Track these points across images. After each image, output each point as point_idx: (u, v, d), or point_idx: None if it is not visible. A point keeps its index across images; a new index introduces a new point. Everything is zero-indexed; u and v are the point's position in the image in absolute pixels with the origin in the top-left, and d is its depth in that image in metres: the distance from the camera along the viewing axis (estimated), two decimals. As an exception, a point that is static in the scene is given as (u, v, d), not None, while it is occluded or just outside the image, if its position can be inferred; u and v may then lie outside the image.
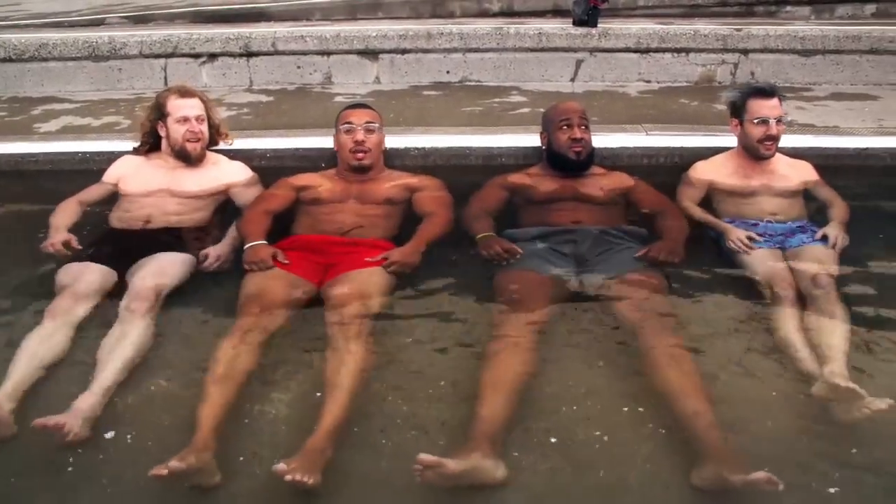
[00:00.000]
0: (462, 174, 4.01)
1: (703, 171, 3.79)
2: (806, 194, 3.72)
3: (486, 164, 4.07)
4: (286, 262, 3.10)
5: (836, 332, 2.78)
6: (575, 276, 3.13)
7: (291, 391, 2.63)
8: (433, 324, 3.01)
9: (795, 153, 3.96)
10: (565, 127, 3.61)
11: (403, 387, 2.66)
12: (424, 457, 2.16)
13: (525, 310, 2.90)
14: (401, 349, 2.85)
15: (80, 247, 3.29)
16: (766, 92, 3.60)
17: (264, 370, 2.68)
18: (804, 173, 3.77)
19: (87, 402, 2.47)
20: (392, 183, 3.67)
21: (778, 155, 3.74)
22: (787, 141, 4.08)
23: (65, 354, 2.76)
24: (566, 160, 3.62)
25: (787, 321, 2.89)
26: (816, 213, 3.61)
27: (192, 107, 3.70)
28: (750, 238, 3.31)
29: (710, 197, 3.72)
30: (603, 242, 3.27)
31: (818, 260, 3.18)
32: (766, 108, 3.56)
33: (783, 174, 3.70)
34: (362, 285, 2.99)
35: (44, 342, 2.75)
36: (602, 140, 4.05)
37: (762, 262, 3.22)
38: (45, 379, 2.65)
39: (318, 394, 2.52)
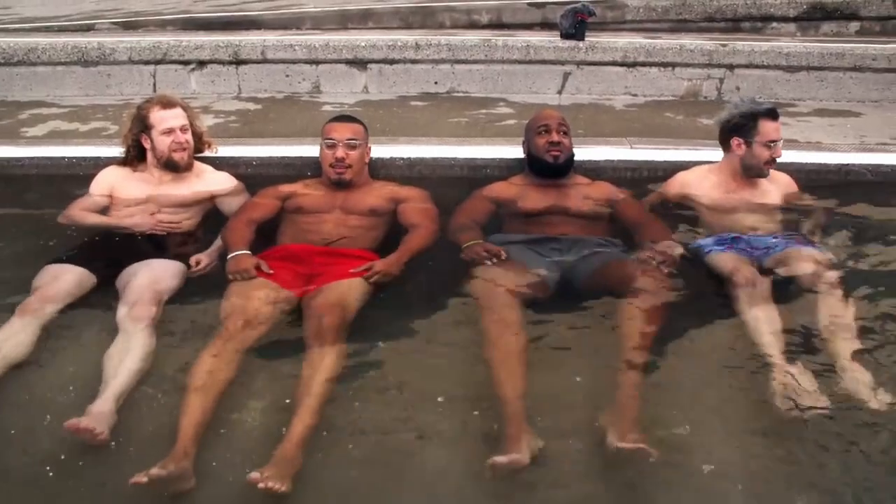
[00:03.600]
0: (447, 185, 4.02)
1: (679, 185, 3.80)
2: (788, 208, 3.74)
3: (471, 176, 4.09)
4: (270, 272, 3.11)
5: (848, 329, 2.87)
6: (559, 274, 3.18)
7: (267, 399, 2.65)
8: (411, 334, 3.02)
9: (778, 168, 4.00)
10: (543, 132, 3.68)
11: (377, 396, 2.68)
12: (498, 459, 2.26)
13: (511, 290, 2.97)
14: (377, 358, 2.87)
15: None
16: (775, 114, 3.59)
17: (243, 379, 2.69)
18: (784, 186, 3.79)
19: (106, 406, 2.48)
20: (377, 193, 3.69)
21: None
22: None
23: (29, 353, 2.79)
24: (543, 163, 3.67)
25: (749, 311, 2.95)
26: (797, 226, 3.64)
27: (176, 117, 3.70)
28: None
29: (690, 209, 3.74)
30: (586, 249, 3.31)
31: (813, 258, 3.22)
32: (775, 130, 3.56)
33: (765, 189, 3.72)
34: (342, 296, 3.01)
35: (9, 339, 2.78)
36: (586, 153, 4.10)
37: (728, 260, 3.25)
38: (9, 377, 2.68)
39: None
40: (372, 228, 3.54)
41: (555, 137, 3.65)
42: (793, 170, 4.08)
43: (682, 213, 3.75)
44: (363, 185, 3.73)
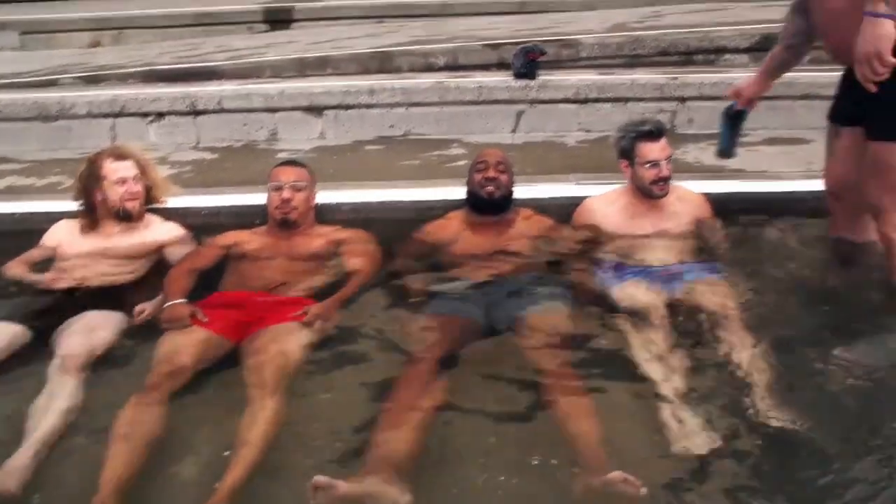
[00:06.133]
0: (395, 229, 4.03)
1: (587, 214, 3.83)
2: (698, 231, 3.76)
3: (418, 218, 4.09)
4: (204, 319, 3.13)
5: (754, 362, 2.86)
6: (486, 319, 3.19)
7: (204, 449, 2.63)
8: (351, 380, 3.01)
9: (728, 199, 4.06)
10: (481, 168, 3.77)
11: (317, 444, 2.66)
12: (319, 479, 2.22)
13: (434, 349, 2.96)
14: (317, 406, 2.87)
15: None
16: (654, 134, 3.62)
17: (178, 428, 2.69)
18: (695, 208, 3.80)
19: (21, 461, 2.47)
20: (320, 238, 3.74)
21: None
22: (715, 186, 4.22)
23: None
24: (478, 198, 3.76)
25: (651, 349, 2.97)
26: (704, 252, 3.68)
27: (128, 168, 3.77)
28: None
29: (598, 236, 3.75)
30: (518, 287, 3.34)
31: (718, 291, 3.26)
32: (655, 150, 3.58)
33: (673, 211, 3.72)
34: (281, 342, 3.02)
35: None
36: (531, 191, 4.16)
37: (639, 295, 3.28)
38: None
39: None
40: (314, 273, 3.57)
41: (491, 174, 3.73)
42: (738, 199, 4.18)
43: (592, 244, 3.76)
44: (307, 231, 3.77)
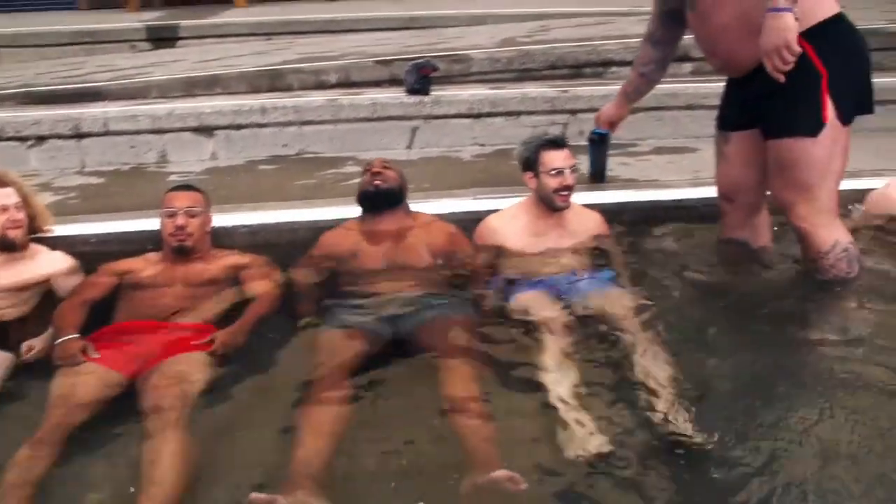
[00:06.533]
0: (293, 249, 3.97)
1: (489, 234, 3.85)
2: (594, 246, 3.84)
3: (316, 238, 4.06)
4: (95, 355, 3.01)
5: (654, 367, 2.91)
6: (390, 331, 3.22)
7: (104, 485, 2.52)
8: (256, 406, 2.95)
9: (620, 208, 4.16)
10: (367, 169, 3.84)
11: (221, 476, 2.58)
12: (256, 496, 2.24)
13: (339, 363, 2.97)
14: (221, 434, 2.79)
15: None
16: (558, 143, 3.70)
17: (73, 464, 2.58)
18: (595, 226, 3.88)
19: None
20: (218, 264, 3.66)
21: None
22: (608, 197, 4.32)
23: None
24: (366, 194, 3.80)
25: (551, 356, 3.02)
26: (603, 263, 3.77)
27: (9, 195, 3.60)
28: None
29: (499, 254, 3.79)
30: (420, 299, 3.36)
31: (617, 299, 3.34)
32: (559, 159, 3.63)
33: (574, 229, 3.79)
34: (182, 372, 2.93)
35: None
36: (430, 207, 4.16)
37: (537, 305, 3.35)
38: None
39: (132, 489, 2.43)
40: (212, 300, 3.48)
41: (376, 169, 3.79)
42: (631, 208, 4.29)
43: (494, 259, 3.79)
44: (204, 256, 3.68)
